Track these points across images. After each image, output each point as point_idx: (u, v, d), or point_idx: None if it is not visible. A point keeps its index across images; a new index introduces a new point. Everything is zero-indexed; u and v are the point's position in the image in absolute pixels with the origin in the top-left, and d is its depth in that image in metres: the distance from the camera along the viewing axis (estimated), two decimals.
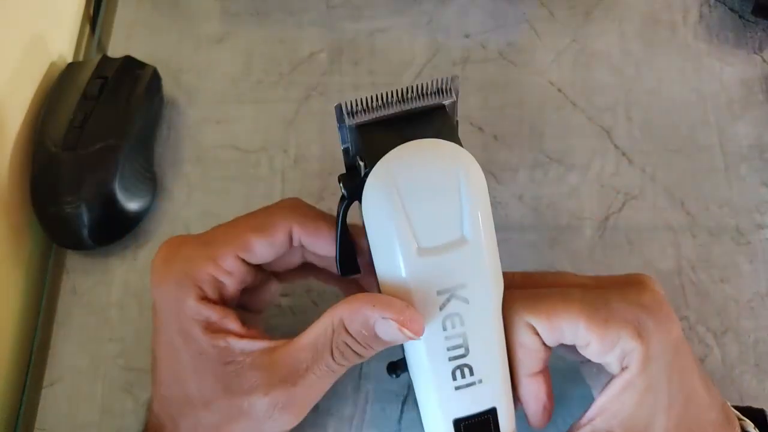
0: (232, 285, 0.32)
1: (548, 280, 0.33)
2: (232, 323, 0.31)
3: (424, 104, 0.30)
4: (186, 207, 0.44)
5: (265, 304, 0.36)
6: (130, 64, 0.45)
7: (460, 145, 0.30)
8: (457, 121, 0.31)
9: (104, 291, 0.42)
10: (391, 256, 0.29)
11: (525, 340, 0.31)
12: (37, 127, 0.43)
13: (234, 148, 0.45)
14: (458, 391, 0.30)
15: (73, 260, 0.43)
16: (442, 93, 0.30)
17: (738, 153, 0.43)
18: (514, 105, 0.45)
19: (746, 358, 0.38)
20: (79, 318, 0.41)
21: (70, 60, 0.49)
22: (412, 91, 0.30)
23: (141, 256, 0.43)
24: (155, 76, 0.46)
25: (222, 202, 0.44)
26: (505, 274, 0.32)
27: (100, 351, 0.40)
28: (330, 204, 0.43)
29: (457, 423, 0.31)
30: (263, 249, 0.32)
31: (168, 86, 0.47)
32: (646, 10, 0.48)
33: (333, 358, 0.30)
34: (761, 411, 0.33)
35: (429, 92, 0.30)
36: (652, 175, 0.43)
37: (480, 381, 0.30)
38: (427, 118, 0.30)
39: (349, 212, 0.31)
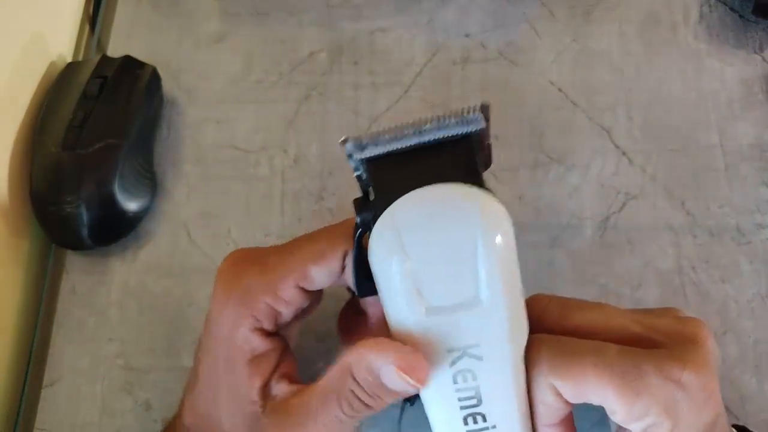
0: (288, 313, 0.32)
1: (587, 319, 0.30)
2: (274, 359, 0.31)
3: (443, 136, 0.27)
4: (186, 207, 0.44)
5: (309, 315, 0.35)
6: (129, 63, 0.45)
7: (482, 184, 0.27)
8: (489, 145, 0.28)
9: (104, 291, 0.42)
10: (397, 312, 0.27)
11: (547, 399, 0.29)
12: (37, 126, 0.43)
13: (234, 148, 0.45)
14: None
15: (73, 260, 0.43)
16: (466, 123, 0.27)
17: (738, 153, 0.43)
18: (514, 105, 0.45)
19: (746, 359, 0.38)
20: (79, 318, 0.41)
21: (69, 60, 0.49)
22: (431, 123, 0.27)
23: (141, 256, 0.43)
24: (155, 76, 0.46)
25: (222, 202, 0.44)
26: (537, 301, 0.30)
27: (99, 351, 0.40)
28: (330, 204, 0.43)
29: None
30: (322, 277, 0.31)
31: (168, 86, 0.47)
32: (647, 10, 0.48)
33: (341, 409, 0.29)
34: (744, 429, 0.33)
35: (450, 123, 0.27)
36: (653, 175, 0.43)
37: (494, 426, 0.29)
38: (447, 153, 0.27)
39: None
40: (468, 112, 0.27)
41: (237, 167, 0.45)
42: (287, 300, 0.31)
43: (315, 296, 0.33)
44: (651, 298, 0.40)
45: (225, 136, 0.46)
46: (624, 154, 0.44)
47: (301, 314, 0.34)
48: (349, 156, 0.27)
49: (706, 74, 0.46)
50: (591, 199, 0.43)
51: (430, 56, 0.47)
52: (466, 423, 0.29)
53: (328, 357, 0.38)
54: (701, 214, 0.42)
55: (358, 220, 0.28)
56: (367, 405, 0.29)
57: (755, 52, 0.46)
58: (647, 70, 0.46)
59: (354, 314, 0.35)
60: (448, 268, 0.26)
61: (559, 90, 0.46)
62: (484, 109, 0.27)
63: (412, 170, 0.27)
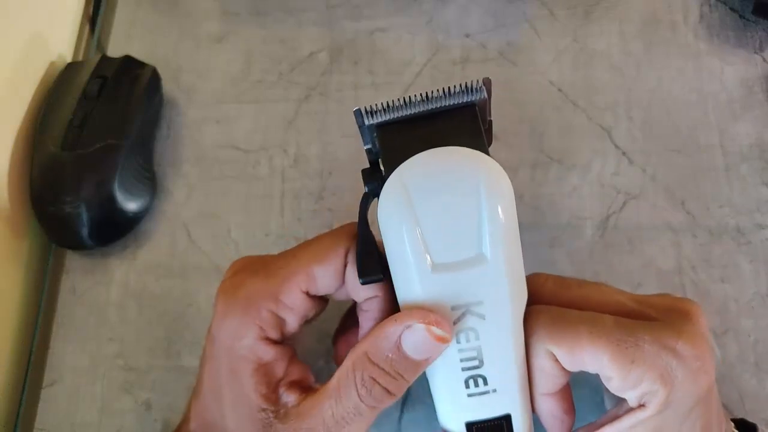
0: (293, 321, 0.31)
1: (583, 294, 0.31)
2: (282, 368, 0.31)
3: (449, 103, 0.28)
4: (186, 207, 0.44)
5: (314, 319, 0.35)
6: (129, 63, 0.45)
7: (486, 150, 0.28)
8: (490, 121, 0.30)
9: (104, 291, 0.42)
10: (404, 270, 0.28)
11: (544, 365, 0.29)
12: (37, 126, 0.43)
13: (234, 148, 0.45)
14: (471, 398, 0.30)
15: (73, 260, 0.43)
16: (471, 92, 0.28)
17: (738, 153, 0.43)
18: (514, 105, 0.45)
19: (746, 358, 0.38)
20: (79, 318, 0.41)
21: (69, 60, 0.49)
22: (438, 91, 0.28)
23: (140, 256, 0.43)
24: (155, 76, 0.46)
25: (222, 202, 0.44)
26: (536, 278, 0.31)
27: (99, 351, 0.40)
28: (330, 204, 0.43)
29: (470, 426, 0.30)
30: (326, 280, 0.31)
31: (168, 86, 0.47)
32: (647, 10, 0.48)
33: (360, 398, 0.29)
34: (753, 426, 0.33)
35: (455, 92, 0.28)
36: (653, 175, 0.43)
37: (494, 390, 0.30)
38: (453, 120, 0.29)
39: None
40: (472, 84, 0.28)
41: (237, 167, 0.45)
42: (291, 306, 0.30)
43: (320, 304, 0.33)
44: None
45: (225, 136, 0.46)
46: (624, 154, 0.44)
47: (306, 322, 0.33)
48: (360, 125, 0.29)
49: (706, 74, 0.46)
50: (591, 199, 0.43)
51: (430, 56, 0.47)
52: (467, 386, 0.29)
53: (329, 357, 0.38)
54: (701, 214, 0.42)
55: (366, 189, 0.29)
56: (388, 391, 0.29)
57: (755, 52, 0.46)
58: (647, 70, 0.46)
59: (351, 327, 0.34)
60: (454, 226, 0.27)
61: (559, 90, 0.46)
62: (486, 83, 0.28)
63: (419, 135, 0.28)
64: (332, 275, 0.31)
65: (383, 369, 0.28)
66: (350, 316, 0.35)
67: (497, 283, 0.28)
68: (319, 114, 0.46)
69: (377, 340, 0.28)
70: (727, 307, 0.40)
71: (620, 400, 0.30)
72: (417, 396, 0.38)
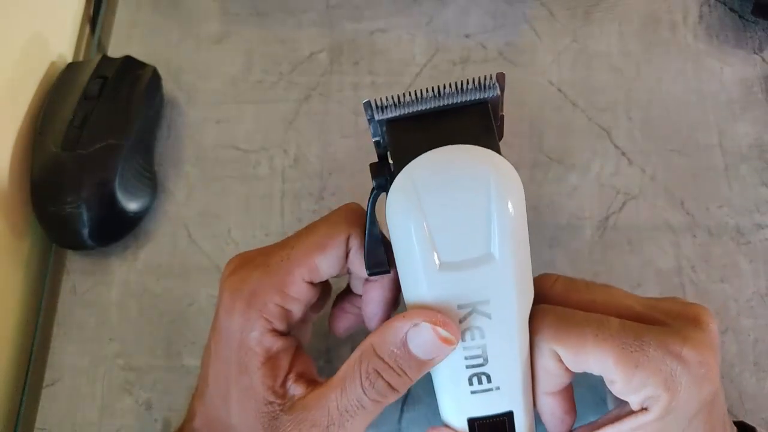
0: (299, 310, 0.31)
1: (591, 297, 0.31)
2: (288, 359, 0.31)
3: (461, 100, 0.28)
4: (186, 207, 0.44)
5: (319, 310, 0.36)
6: (130, 64, 0.45)
7: (497, 149, 0.28)
8: (502, 116, 0.30)
9: (104, 291, 0.42)
10: (411, 268, 0.28)
11: (548, 365, 0.30)
12: (37, 127, 0.43)
13: (234, 148, 0.45)
14: (474, 395, 0.30)
15: (73, 260, 0.43)
16: (483, 88, 0.28)
17: (738, 153, 0.43)
18: (514, 105, 0.45)
19: (746, 357, 0.38)
20: (79, 318, 0.41)
21: (70, 60, 0.49)
22: (450, 87, 0.28)
23: (141, 256, 0.43)
24: (155, 76, 0.46)
25: (222, 202, 0.44)
26: (546, 278, 0.31)
27: (100, 351, 0.41)
28: (330, 204, 0.43)
29: (472, 421, 0.31)
30: (329, 267, 0.31)
31: (168, 86, 0.47)
32: (646, 10, 0.48)
33: (363, 390, 0.29)
34: (752, 429, 0.33)
35: (468, 88, 0.28)
36: (652, 175, 0.43)
37: (497, 388, 0.30)
38: (464, 117, 0.28)
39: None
40: (485, 80, 0.28)
41: (237, 167, 0.45)
42: (296, 297, 0.31)
43: (323, 289, 0.33)
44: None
45: (225, 136, 0.46)
46: (623, 154, 0.44)
47: (311, 310, 0.34)
48: (369, 119, 0.28)
49: (705, 74, 0.46)
50: (591, 199, 0.43)
51: (430, 56, 0.47)
52: (471, 383, 0.30)
53: (329, 356, 0.39)
54: (701, 214, 0.42)
55: (374, 183, 0.29)
56: (391, 386, 0.29)
57: (755, 52, 0.46)
58: (647, 71, 0.46)
59: (348, 304, 0.35)
60: (463, 225, 0.27)
61: (559, 90, 0.46)
62: (500, 78, 0.28)
63: (429, 132, 0.28)
64: (334, 263, 0.31)
65: (388, 363, 0.29)
66: (347, 291, 0.36)
67: (504, 282, 0.28)
68: (319, 114, 0.46)
69: (385, 334, 0.29)
70: (727, 307, 0.40)
71: (622, 402, 0.30)
72: (417, 395, 0.38)
